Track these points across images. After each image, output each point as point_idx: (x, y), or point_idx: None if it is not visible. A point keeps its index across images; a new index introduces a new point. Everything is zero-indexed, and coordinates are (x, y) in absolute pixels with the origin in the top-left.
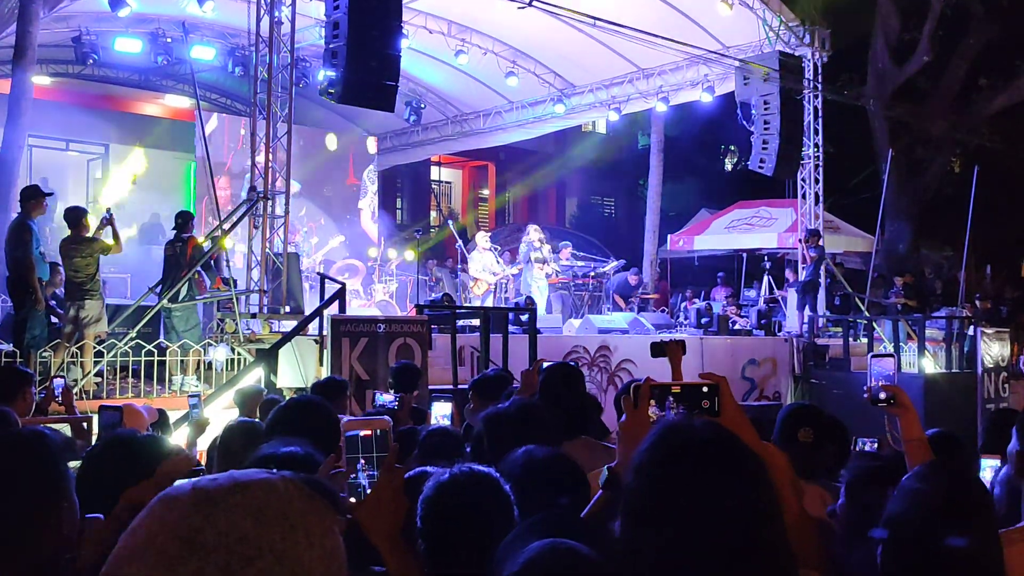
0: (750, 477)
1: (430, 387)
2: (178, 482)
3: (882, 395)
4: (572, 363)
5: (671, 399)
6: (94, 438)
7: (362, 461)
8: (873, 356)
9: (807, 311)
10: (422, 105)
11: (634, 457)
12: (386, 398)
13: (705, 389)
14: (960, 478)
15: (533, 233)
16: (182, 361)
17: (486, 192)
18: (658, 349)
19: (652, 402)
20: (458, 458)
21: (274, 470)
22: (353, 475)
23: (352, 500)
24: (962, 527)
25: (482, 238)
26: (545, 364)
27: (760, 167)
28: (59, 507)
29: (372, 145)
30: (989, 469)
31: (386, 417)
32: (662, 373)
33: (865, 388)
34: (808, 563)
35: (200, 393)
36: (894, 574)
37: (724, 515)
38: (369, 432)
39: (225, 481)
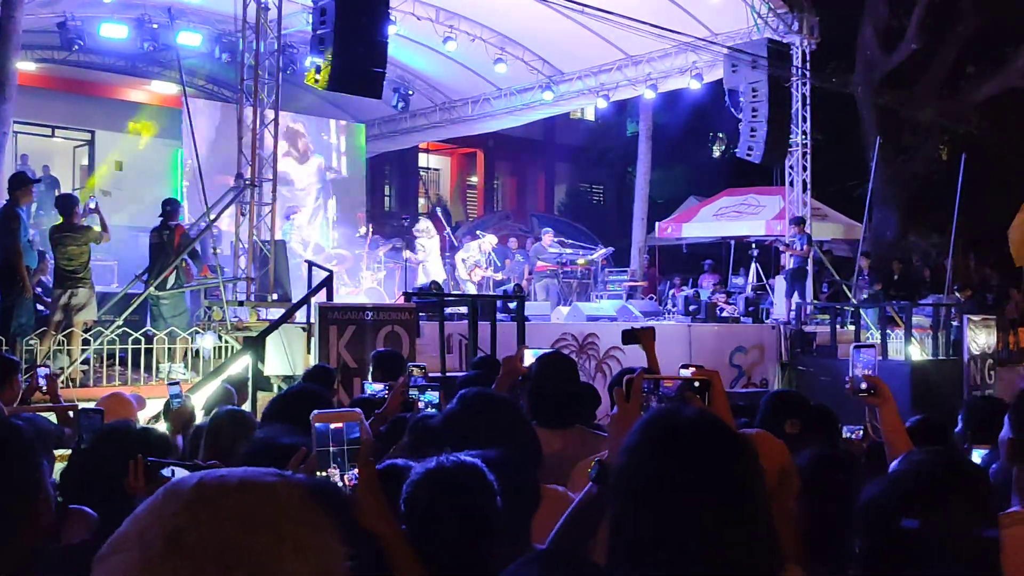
0: (735, 459)
1: None
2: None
3: (863, 386)
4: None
5: (662, 393)
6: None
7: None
8: (855, 347)
9: (795, 298)
10: (410, 92)
11: (624, 440)
12: (376, 387)
13: (697, 384)
14: (949, 458)
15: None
16: (169, 349)
17: (474, 179)
18: (630, 336)
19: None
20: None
21: (272, 469)
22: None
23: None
24: (953, 506)
25: (488, 241)
26: (527, 350)
27: (748, 154)
28: (35, 500)
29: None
30: (979, 458)
31: (357, 409)
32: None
33: (847, 379)
34: (791, 556)
35: (181, 381)
36: (875, 559)
37: (709, 495)
38: (340, 424)
39: (229, 479)
